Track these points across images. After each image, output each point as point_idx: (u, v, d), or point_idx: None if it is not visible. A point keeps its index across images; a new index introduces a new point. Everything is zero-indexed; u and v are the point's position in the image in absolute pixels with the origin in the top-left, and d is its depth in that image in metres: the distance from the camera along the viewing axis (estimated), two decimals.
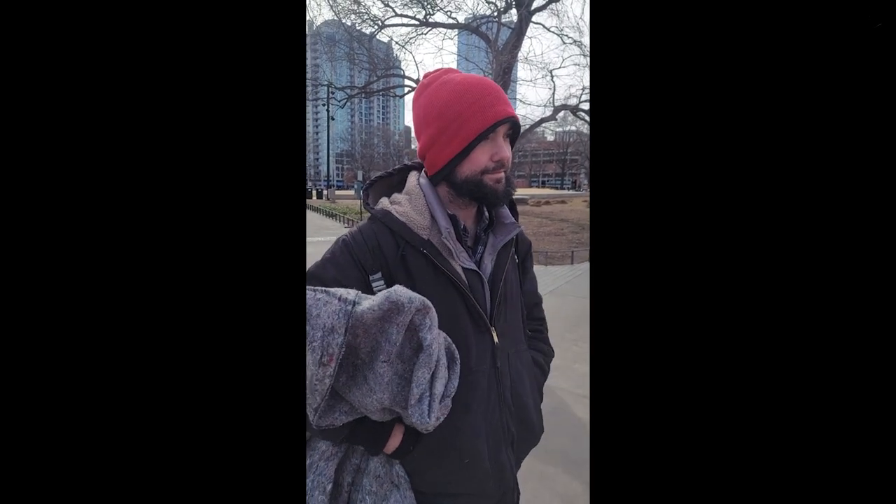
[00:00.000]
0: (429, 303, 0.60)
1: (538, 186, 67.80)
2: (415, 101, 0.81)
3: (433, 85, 0.76)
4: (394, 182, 0.84)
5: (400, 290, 0.58)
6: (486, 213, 0.82)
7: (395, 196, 0.79)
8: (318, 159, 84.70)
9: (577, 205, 22.22)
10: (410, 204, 0.75)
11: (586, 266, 6.97)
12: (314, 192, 32.41)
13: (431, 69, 0.83)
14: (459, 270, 0.72)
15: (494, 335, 0.75)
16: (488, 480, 0.72)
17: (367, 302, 0.58)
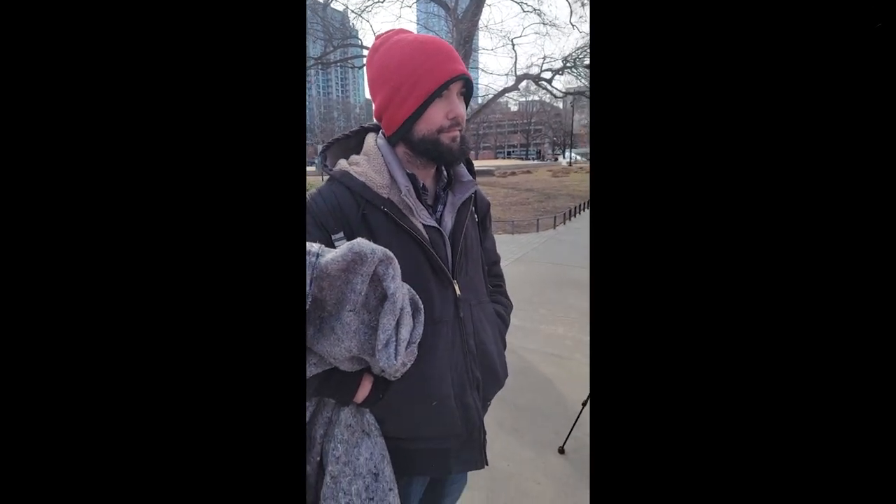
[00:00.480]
0: (390, 254, 0.62)
1: (504, 157, 67.88)
2: (368, 62, 0.81)
3: (385, 45, 0.77)
4: (351, 144, 0.85)
5: (363, 242, 0.60)
6: (445, 172, 0.84)
7: (354, 157, 0.80)
8: None
9: (542, 174, 22.49)
10: (369, 164, 0.77)
11: (551, 233, 7.14)
12: None
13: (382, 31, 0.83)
14: (420, 227, 0.75)
15: (457, 287, 0.78)
16: (456, 422, 0.77)
17: (331, 254, 0.60)
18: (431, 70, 0.72)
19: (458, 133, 0.76)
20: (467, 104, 0.80)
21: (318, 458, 0.72)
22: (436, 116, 0.74)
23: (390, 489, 0.70)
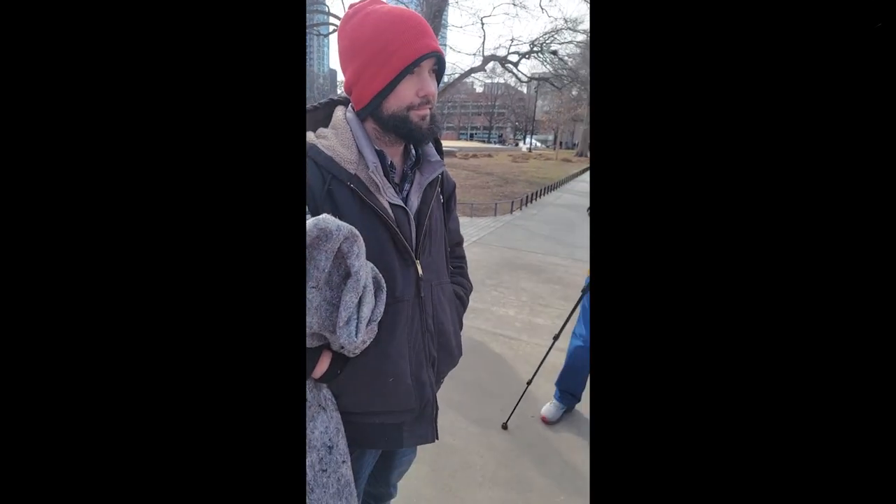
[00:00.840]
0: (356, 231, 0.62)
1: (466, 139, 67.66)
2: (339, 32, 0.78)
3: (358, 16, 0.74)
4: (319, 117, 0.82)
5: (328, 219, 0.60)
6: (413, 151, 0.84)
7: (322, 130, 0.78)
8: None
9: (503, 159, 22.66)
10: (337, 138, 0.75)
11: (508, 218, 7.27)
12: None
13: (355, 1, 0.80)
14: (386, 205, 0.75)
15: (419, 267, 0.79)
16: (410, 397, 0.79)
17: None
18: (403, 45, 0.70)
19: (427, 111, 0.75)
20: (438, 82, 0.79)
21: None
22: (406, 93, 0.73)
23: (343, 461, 0.72)
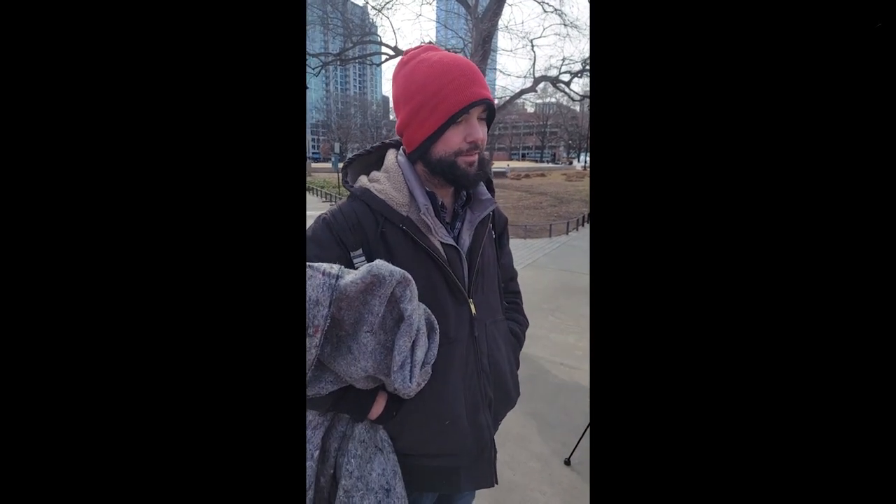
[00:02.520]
0: (409, 276, 0.63)
1: (518, 159, 67.60)
2: (394, 77, 0.81)
3: (412, 62, 0.77)
4: (372, 160, 0.86)
5: (381, 264, 0.61)
6: (464, 191, 0.84)
7: (374, 174, 0.80)
8: None
9: (556, 178, 22.35)
10: (389, 181, 0.77)
11: (563, 239, 7.10)
12: None
13: (409, 35, 0.83)
14: (438, 245, 0.75)
15: (472, 306, 0.78)
16: (467, 440, 0.77)
17: (350, 276, 0.60)
18: (453, 93, 0.72)
19: (475, 158, 0.76)
20: (489, 127, 0.80)
21: (332, 471, 0.73)
22: (454, 139, 0.74)
23: None
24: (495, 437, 0.85)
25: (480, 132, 0.75)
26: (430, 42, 0.84)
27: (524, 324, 0.97)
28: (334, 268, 0.61)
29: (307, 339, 0.58)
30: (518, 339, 0.93)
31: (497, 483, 0.84)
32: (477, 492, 1.05)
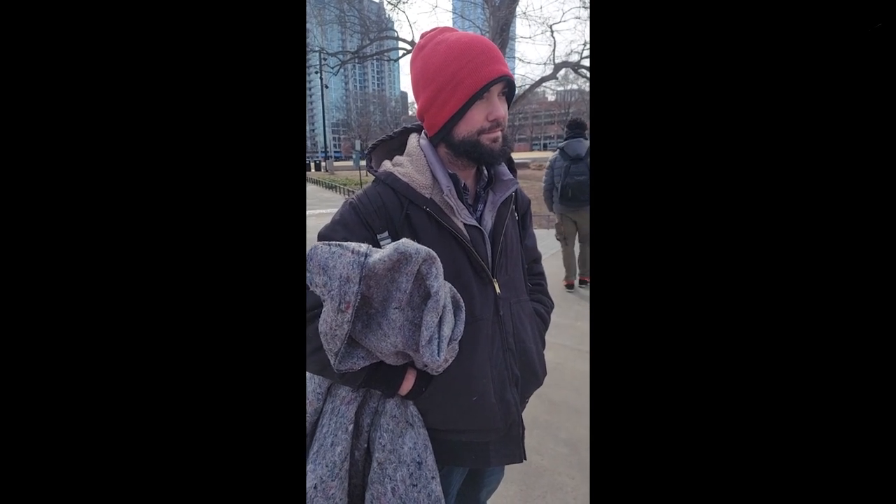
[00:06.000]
0: (434, 253, 0.65)
1: (539, 149, 66.61)
2: (412, 62, 0.83)
3: (429, 45, 0.78)
4: (395, 145, 0.88)
5: (407, 242, 0.63)
6: (486, 172, 0.85)
7: (398, 158, 0.82)
8: (314, 130, 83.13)
9: None
10: (412, 165, 0.79)
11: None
12: (312, 165, 31.85)
13: (425, 27, 0.84)
14: (461, 226, 0.77)
15: (496, 286, 0.80)
16: (495, 416, 0.79)
17: (378, 254, 0.63)
18: (473, 72, 0.73)
19: (498, 134, 0.77)
20: (509, 104, 0.80)
21: (366, 446, 0.76)
22: (476, 118, 0.75)
23: (433, 477, 0.73)
24: (524, 419, 0.86)
25: (501, 109, 0.76)
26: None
27: (549, 305, 0.98)
28: (362, 247, 0.63)
29: (339, 315, 0.60)
30: (543, 320, 0.94)
31: (525, 458, 0.85)
32: (506, 476, 1.07)
